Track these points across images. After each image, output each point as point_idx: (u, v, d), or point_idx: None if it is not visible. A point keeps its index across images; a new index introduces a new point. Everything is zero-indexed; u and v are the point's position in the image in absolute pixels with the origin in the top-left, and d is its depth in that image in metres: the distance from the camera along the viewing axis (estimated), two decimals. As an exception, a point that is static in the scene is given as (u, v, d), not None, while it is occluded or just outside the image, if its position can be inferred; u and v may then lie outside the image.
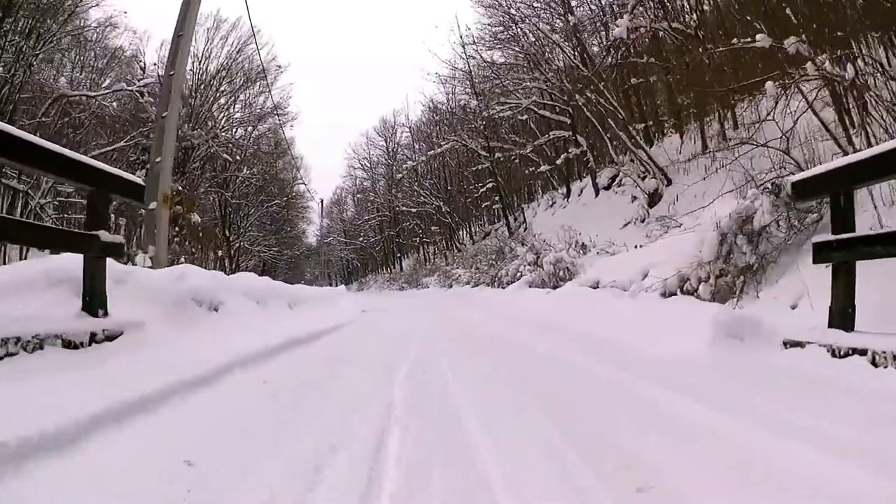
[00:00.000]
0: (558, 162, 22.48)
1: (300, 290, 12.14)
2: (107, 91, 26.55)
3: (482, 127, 27.89)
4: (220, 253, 42.37)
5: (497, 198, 28.81)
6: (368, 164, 58.13)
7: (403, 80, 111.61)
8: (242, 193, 41.84)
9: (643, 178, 18.22)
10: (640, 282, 8.68)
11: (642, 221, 15.23)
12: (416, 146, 45.47)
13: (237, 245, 42.05)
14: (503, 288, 15.63)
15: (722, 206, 8.27)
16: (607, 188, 21.71)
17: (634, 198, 15.97)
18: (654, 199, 16.28)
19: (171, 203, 24.52)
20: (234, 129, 39.43)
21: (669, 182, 16.71)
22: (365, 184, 60.50)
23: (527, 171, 28.03)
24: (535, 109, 23.16)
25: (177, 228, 25.44)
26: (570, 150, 21.98)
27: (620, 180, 20.85)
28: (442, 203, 40.19)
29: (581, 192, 25.02)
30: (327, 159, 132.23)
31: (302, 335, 6.98)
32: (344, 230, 72.33)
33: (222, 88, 35.98)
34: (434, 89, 49.56)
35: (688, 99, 16.77)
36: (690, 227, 9.14)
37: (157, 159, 9.28)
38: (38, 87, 25.84)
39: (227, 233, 40.45)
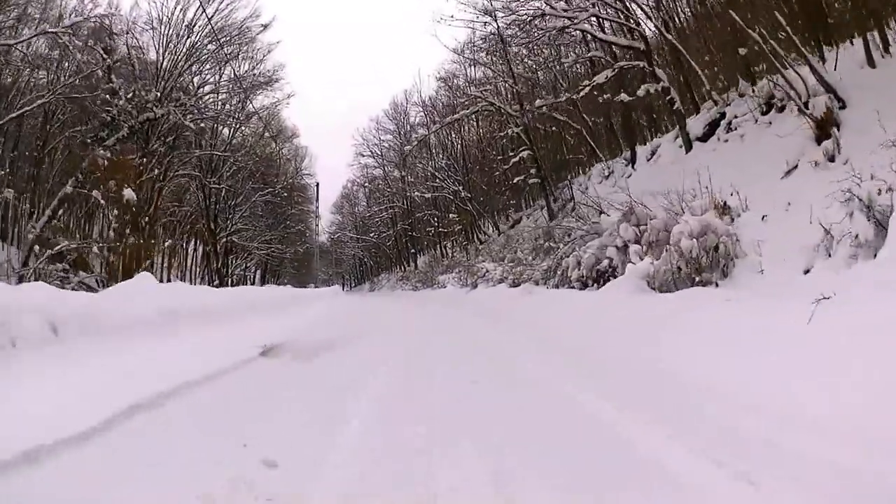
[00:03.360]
0: (640, 93, 15.73)
1: (168, 297, 5.63)
2: (28, 37, 20.39)
3: (510, 75, 21.26)
4: (207, 248, 36.56)
5: (533, 170, 22.05)
6: (379, 152, 51.67)
7: (416, 60, 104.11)
8: (233, 180, 35.66)
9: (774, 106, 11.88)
10: None
11: (832, 160, 8.66)
12: (431, 125, 38.73)
13: (224, 240, 35.83)
14: (573, 287, 9.04)
15: None
16: (704, 138, 15.19)
17: (822, 121, 9.31)
18: (825, 128, 9.65)
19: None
20: (222, 104, 33.20)
21: (843, 104, 10.24)
22: (375, 172, 54.11)
23: (575, 131, 21.22)
24: (593, 33, 16.47)
25: (116, 211, 19.23)
26: (649, 84, 15.29)
27: (730, 123, 14.40)
28: (461, 188, 33.63)
29: (654, 152, 18.45)
30: (337, 155, 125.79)
31: None
32: (355, 225, 66.01)
33: (197, 53, 29.34)
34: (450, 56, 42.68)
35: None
36: None
37: None
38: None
39: (212, 226, 34.31)
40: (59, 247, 15.75)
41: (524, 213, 28.38)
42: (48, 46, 24.53)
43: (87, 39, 24.31)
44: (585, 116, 23.51)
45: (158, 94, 22.98)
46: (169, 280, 39.20)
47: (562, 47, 24.43)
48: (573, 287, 9.04)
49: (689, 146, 15.41)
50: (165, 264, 39.10)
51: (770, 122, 13.26)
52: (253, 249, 41.76)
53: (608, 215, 9.19)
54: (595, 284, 8.77)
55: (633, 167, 18.81)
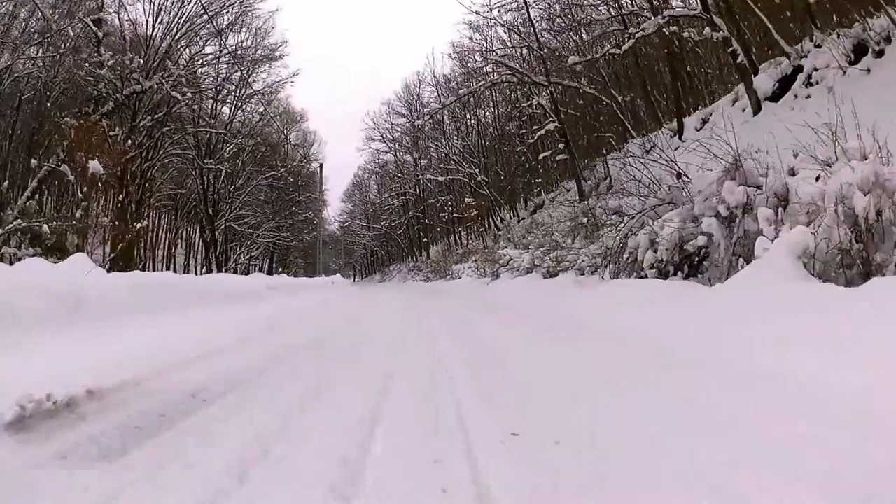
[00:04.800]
0: (705, 33, 13.18)
1: None
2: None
3: (535, 40, 18.73)
4: (205, 234, 34.28)
5: (561, 144, 19.48)
6: (390, 136, 49.10)
7: (425, 38, 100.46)
8: (233, 163, 33.39)
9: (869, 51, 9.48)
10: None
11: None
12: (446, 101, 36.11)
13: (223, 226, 33.61)
14: (643, 277, 6.63)
15: None
16: (775, 97, 12.86)
17: None
18: None
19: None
20: (221, 79, 30.75)
21: None
22: (386, 157, 51.62)
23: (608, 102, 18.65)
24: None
25: (85, 188, 16.88)
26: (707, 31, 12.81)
27: (809, 76, 12.05)
28: (477, 170, 31.12)
29: (705, 120, 15.99)
30: (345, 142, 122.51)
31: None
32: (365, 213, 63.65)
33: (191, 23, 26.82)
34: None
35: None
36: None
37: None
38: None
39: (210, 211, 32.07)
40: (9, 226, 13.49)
41: (546, 198, 25.85)
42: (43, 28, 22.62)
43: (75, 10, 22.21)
44: (614, 93, 20.99)
45: (141, 62, 20.59)
46: (171, 269, 37.33)
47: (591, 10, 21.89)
48: (644, 276, 6.56)
49: (757, 107, 12.90)
50: (161, 252, 37.25)
51: (868, 70, 10.83)
52: (256, 238, 39.45)
53: (680, 182, 6.73)
54: (679, 272, 6.32)
55: (679, 137, 16.27)
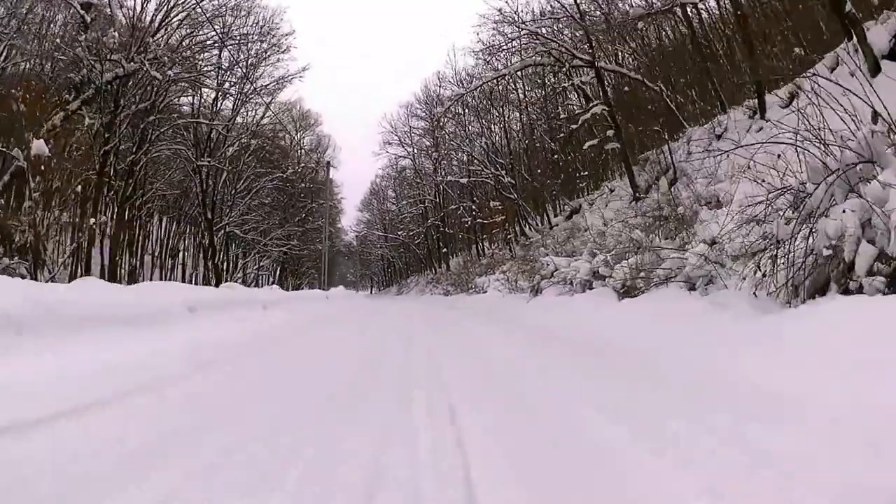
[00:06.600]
0: None
1: None
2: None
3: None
4: (203, 240, 31.72)
5: (611, 132, 16.33)
6: (409, 140, 46.52)
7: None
8: (234, 163, 30.82)
9: None
10: None
11: None
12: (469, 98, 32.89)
13: (223, 231, 30.97)
14: (848, 291, 3.37)
15: None
16: (893, 55, 10.01)
17: None
18: None
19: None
20: (222, 70, 27.96)
21: None
22: (404, 162, 49.02)
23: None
24: None
25: (37, 178, 14.08)
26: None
27: None
28: (503, 172, 28.08)
29: (793, 94, 12.88)
30: (361, 150, 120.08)
31: None
32: (382, 223, 60.87)
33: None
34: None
35: None
36: None
37: None
38: None
39: (209, 214, 29.38)
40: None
41: (584, 200, 22.67)
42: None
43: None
44: (661, 85, 17.89)
45: (117, 35, 17.96)
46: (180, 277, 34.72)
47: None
48: (858, 289, 3.47)
49: (875, 66, 9.85)
50: (168, 259, 34.73)
51: None
52: (263, 246, 36.78)
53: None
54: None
55: (761, 117, 13.21)
